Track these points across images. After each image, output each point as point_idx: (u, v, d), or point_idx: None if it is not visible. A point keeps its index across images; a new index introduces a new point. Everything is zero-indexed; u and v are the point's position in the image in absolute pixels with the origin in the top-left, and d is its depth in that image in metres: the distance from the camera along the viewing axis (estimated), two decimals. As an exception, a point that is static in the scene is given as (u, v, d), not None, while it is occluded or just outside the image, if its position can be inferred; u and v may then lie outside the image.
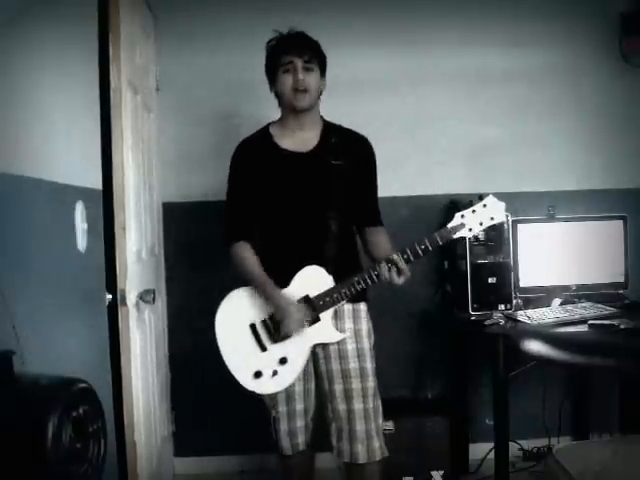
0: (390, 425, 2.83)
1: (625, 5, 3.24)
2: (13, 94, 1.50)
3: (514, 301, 2.80)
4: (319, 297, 2.17)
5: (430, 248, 2.09)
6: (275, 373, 2.20)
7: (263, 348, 2.21)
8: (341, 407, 2.23)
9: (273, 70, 2.24)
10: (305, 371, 2.28)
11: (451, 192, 3.17)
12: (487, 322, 2.63)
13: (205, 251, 3.17)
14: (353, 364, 2.23)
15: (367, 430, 2.22)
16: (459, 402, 3.13)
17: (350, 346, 2.24)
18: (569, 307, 2.80)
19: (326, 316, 2.19)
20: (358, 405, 2.22)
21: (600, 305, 2.78)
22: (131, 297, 2.33)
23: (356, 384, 2.22)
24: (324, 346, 2.24)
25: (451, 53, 3.20)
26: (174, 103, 3.17)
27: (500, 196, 3.23)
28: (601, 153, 3.28)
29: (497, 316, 2.70)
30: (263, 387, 2.22)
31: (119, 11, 2.27)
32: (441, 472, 2.87)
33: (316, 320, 2.18)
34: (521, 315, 2.69)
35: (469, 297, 2.78)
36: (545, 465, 1.97)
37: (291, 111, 2.25)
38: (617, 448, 1.89)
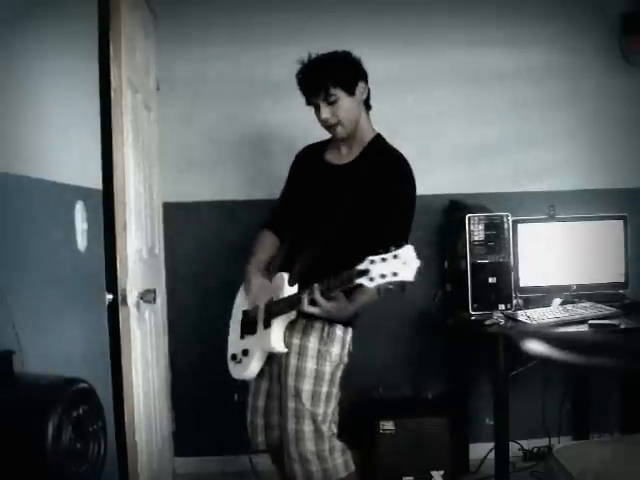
0: (390, 425, 2.83)
1: (625, 5, 3.24)
2: (13, 94, 1.50)
3: (514, 301, 2.80)
4: (275, 303, 2.15)
5: (330, 288, 1.93)
6: (240, 362, 2.26)
7: (241, 335, 2.29)
8: (282, 421, 2.19)
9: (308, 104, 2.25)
10: (271, 373, 2.27)
11: (451, 192, 3.17)
12: (487, 322, 2.63)
13: (205, 251, 3.17)
14: (290, 382, 2.14)
15: (300, 452, 2.12)
16: (459, 402, 3.13)
17: (292, 362, 2.15)
18: (569, 307, 2.80)
19: (276, 324, 2.14)
20: (290, 425, 2.13)
21: (600, 305, 2.78)
22: (132, 297, 2.33)
23: (290, 403, 2.14)
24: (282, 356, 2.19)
25: (451, 53, 3.20)
26: (174, 103, 3.17)
27: (500, 196, 3.23)
28: (601, 153, 3.28)
29: (497, 316, 2.70)
30: (232, 370, 2.30)
31: (119, 10, 2.27)
32: (441, 472, 2.87)
33: (268, 325, 2.16)
34: (521, 315, 2.69)
35: (469, 297, 2.77)
36: (545, 465, 1.97)
37: None
38: (617, 448, 1.89)
